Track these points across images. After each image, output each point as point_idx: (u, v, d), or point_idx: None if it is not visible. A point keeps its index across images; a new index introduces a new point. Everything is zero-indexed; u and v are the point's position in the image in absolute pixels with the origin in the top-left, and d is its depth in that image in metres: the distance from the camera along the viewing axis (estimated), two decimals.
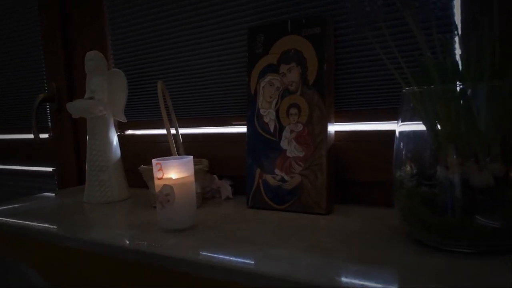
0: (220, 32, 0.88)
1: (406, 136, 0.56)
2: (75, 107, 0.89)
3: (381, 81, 0.72)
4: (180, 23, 0.94)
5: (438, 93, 0.51)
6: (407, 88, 0.55)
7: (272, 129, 0.76)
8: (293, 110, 0.74)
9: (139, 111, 1.06)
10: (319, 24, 0.72)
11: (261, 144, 0.77)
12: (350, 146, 0.75)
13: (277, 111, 0.75)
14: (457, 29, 0.62)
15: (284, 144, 0.74)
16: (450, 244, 0.50)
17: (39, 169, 1.30)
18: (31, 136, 1.10)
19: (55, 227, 0.74)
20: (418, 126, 0.54)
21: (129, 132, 1.10)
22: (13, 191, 1.42)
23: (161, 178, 0.65)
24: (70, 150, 1.18)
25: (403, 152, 0.56)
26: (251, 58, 0.79)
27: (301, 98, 0.73)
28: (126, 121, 0.96)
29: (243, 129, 0.84)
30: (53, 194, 1.07)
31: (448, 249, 0.50)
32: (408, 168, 0.55)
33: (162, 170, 0.65)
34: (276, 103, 0.76)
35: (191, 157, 0.68)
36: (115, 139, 0.93)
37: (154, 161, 0.66)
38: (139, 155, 1.02)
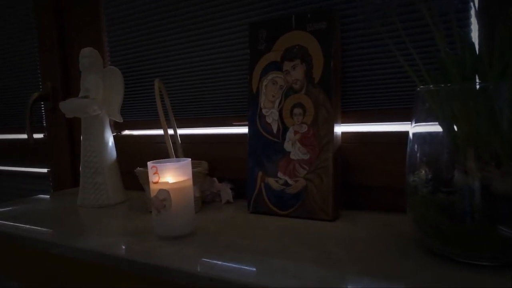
0: (220, 28, 0.85)
1: (421, 138, 0.52)
2: (68, 106, 0.85)
3: (392, 79, 0.69)
4: (179, 19, 0.91)
5: (456, 91, 0.47)
6: (422, 86, 0.51)
7: (275, 130, 0.72)
8: (298, 110, 0.70)
9: (137, 110, 1.02)
10: (325, 18, 0.68)
11: (263, 146, 0.73)
12: (357, 149, 0.71)
13: (280, 111, 0.72)
14: (478, 22, 0.58)
15: (287, 146, 0.71)
16: (470, 256, 0.46)
17: (34, 170, 1.27)
18: (25, 136, 1.06)
19: (43, 232, 0.70)
20: (434, 127, 0.50)
21: (126, 132, 1.06)
22: (8, 193, 1.38)
23: (156, 182, 0.61)
24: (66, 151, 1.15)
25: (417, 155, 0.52)
26: (252, 55, 0.76)
27: (306, 97, 0.69)
28: (122, 121, 0.92)
29: (244, 129, 0.82)
30: (47, 197, 1.03)
31: (467, 262, 0.46)
32: (423, 173, 0.51)
33: (158, 173, 0.61)
34: (279, 103, 0.72)
35: (189, 159, 0.64)
36: (110, 140, 0.90)
37: (149, 163, 0.62)
38: (136, 157, 0.99)
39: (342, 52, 0.71)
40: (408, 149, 0.53)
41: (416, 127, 0.52)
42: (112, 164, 0.89)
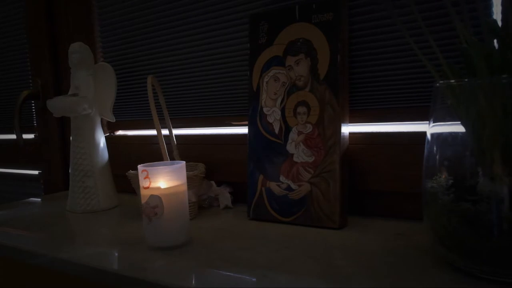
0: (219, 21, 0.81)
1: (440, 139, 0.47)
2: (56, 105, 0.80)
3: (405, 74, 0.64)
4: (175, 12, 0.87)
5: (482, 87, 0.42)
6: (442, 81, 0.45)
7: (276, 130, 0.68)
8: (301, 109, 0.66)
9: (131, 109, 0.98)
10: (332, 9, 0.63)
11: (264, 147, 0.69)
12: (367, 151, 0.67)
13: (282, 110, 0.68)
14: (505, 8, 0.52)
15: (290, 147, 0.66)
16: (498, 273, 0.42)
17: (25, 172, 1.23)
18: (15, 136, 1.02)
19: (26, 241, 0.65)
20: (455, 127, 0.45)
21: (120, 132, 1.02)
22: None
23: (147, 187, 0.56)
24: (57, 152, 1.10)
25: (437, 159, 0.47)
26: (253, 50, 0.72)
27: (310, 95, 0.65)
28: (114, 120, 0.87)
29: (244, 130, 0.79)
30: (37, 200, 0.99)
31: (495, 279, 0.42)
32: (443, 178, 0.46)
33: (148, 177, 0.56)
34: (282, 101, 0.68)
35: (183, 162, 0.59)
36: (102, 141, 0.85)
37: (140, 167, 0.57)
38: (130, 159, 0.94)
39: (350, 46, 0.67)
40: (425, 151, 0.48)
41: (435, 127, 0.47)
42: (103, 167, 0.84)
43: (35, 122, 1.16)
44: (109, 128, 1.02)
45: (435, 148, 0.47)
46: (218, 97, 0.84)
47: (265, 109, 0.69)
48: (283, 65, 0.68)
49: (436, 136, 0.47)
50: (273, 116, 0.69)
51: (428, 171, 0.48)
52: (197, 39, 0.84)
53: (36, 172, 1.18)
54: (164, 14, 0.88)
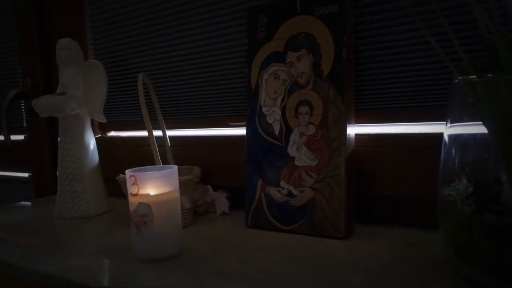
0: (215, 15, 0.77)
1: (459, 141, 0.43)
2: (42, 105, 0.76)
3: (416, 71, 0.60)
4: (169, 6, 0.83)
5: (508, 82, 0.37)
6: (461, 77, 0.41)
7: (277, 132, 0.64)
8: (303, 109, 0.61)
9: (124, 109, 0.94)
10: (336, 0, 0.59)
11: (263, 150, 0.65)
12: (374, 153, 0.63)
13: (283, 110, 0.64)
14: None
15: (292, 150, 0.62)
16: None
17: (14, 174, 1.19)
18: (2, 138, 0.98)
19: (3, 251, 0.60)
20: (476, 128, 0.41)
21: (112, 134, 0.97)
22: None
23: (136, 194, 0.52)
24: (48, 154, 1.06)
25: (455, 163, 0.42)
26: (251, 45, 0.68)
27: (313, 94, 0.61)
28: (105, 121, 0.83)
29: (242, 131, 0.74)
30: (27, 204, 0.95)
31: None
32: (461, 185, 0.41)
33: (136, 184, 0.51)
34: (282, 100, 0.64)
35: (175, 167, 0.55)
36: (92, 143, 0.80)
37: (127, 172, 0.53)
38: (123, 161, 0.90)
39: (356, 40, 0.63)
40: (442, 155, 0.44)
41: (453, 128, 0.43)
42: (93, 170, 0.79)
43: (24, 123, 1.11)
44: (101, 129, 0.98)
45: (453, 151, 0.42)
46: (214, 96, 0.80)
47: (264, 109, 0.65)
48: (283, 62, 0.63)
49: (454, 138, 0.43)
50: (273, 116, 0.64)
51: (445, 177, 0.43)
52: (192, 34, 0.80)
53: (26, 175, 1.14)
54: (158, 9, 0.84)
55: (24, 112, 1.11)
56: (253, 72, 0.67)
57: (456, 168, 0.42)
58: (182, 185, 0.65)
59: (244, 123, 0.68)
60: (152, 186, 0.52)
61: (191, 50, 0.81)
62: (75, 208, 0.77)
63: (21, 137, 1.12)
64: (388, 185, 0.61)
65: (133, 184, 0.52)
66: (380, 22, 0.61)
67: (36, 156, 1.08)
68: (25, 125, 1.11)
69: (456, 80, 0.41)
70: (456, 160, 0.42)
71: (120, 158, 0.92)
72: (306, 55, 0.61)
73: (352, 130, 0.61)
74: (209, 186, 0.75)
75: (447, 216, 0.42)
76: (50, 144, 1.05)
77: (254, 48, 0.67)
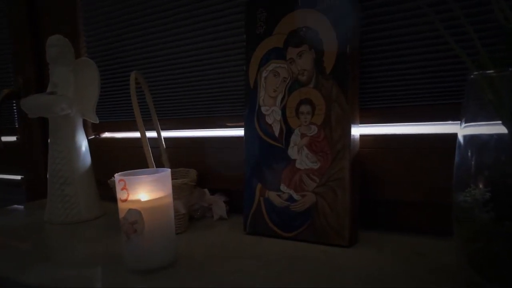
0: (211, 10, 0.75)
1: (475, 142, 0.39)
2: (30, 104, 0.73)
3: (425, 67, 0.57)
4: (163, 2, 0.80)
5: None
6: (477, 72, 0.37)
7: (277, 133, 0.61)
8: (305, 108, 0.58)
9: (118, 109, 0.92)
10: None
11: (262, 152, 0.62)
12: (380, 155, 0.60)
13: (283, 109, 0.61)
14: None
15: (292, 152, 0.59)
16: None
17: (6, 177, 1.16)
18: None
19: None
20: (494, 128, 0.38)
21: (106, 135, 0.94)
22: None
23: (125, 200, 0.49)
24: (41, 156, 1.04)
25: (471, 166, 0.39)
26: (250, 41, 0.65)
27: (315, 92, 0.58)
28: (98, 121, 0.80)
29: (240, 132, 0.72)
30: (19, 208, 0.92)
31: None
32: (477, 191, 0.38)
33: (126, 189, 0.48)
34: (283, 99, 0.61)
35: (169, 170, 0.52)
36: (84, 144, 0.77)
37: (117, 176, 0.50)
38: (117, 164, 0.88)
39: (361, 35, 0.60)
40: (456, 157, 0.40)
41: (468, 128, 0.39)
42: (85, 173, 0.76)
43: (16, 124, 1.09)
44: (95, 130, 0.95)
45: (469, 153, 0.39)
46: (211, 96, 0.78)
47: (263, 109, 0.62)
48: (283, 58, 0.60)
49: (469, 139, 0.39)
50: (273, 116, 0.61)
51: (459, 181, 0.40)
52: (189, 31, 0.77)
53: (18, 177, 1.11)
54: (152, 4, 0.81)
55: (16, 113, 1.08)
56: (251, 69, 0.64)
57: (472, 172, 0.38)
58: (177, 189, 0.62)
59: (242, 123, 0.65)
60: (143, 191, 0.49)
61: (187, 47, 0.78)
62: (66, 213, 0.74)
63: (13, 138, 1.09)
64: (394, 189, 0.58)
65: (122, 189, 0.48)
66: (387, 15, 0.58)
67: (28, 158, 1.06)
68: (17, 126, 1.09)
69: (472, 76, 0.38)
70: (472, 162, 0.39)
71: (115, 161, 0.89)
72: (308, 51, 0.58)
73: (357, 130, 0.57)
74: (206, 190, 0.72)
75: (462, 223, 0.39)
76: (43, 145, 1.02)
77: (253, 44, 0.64)
